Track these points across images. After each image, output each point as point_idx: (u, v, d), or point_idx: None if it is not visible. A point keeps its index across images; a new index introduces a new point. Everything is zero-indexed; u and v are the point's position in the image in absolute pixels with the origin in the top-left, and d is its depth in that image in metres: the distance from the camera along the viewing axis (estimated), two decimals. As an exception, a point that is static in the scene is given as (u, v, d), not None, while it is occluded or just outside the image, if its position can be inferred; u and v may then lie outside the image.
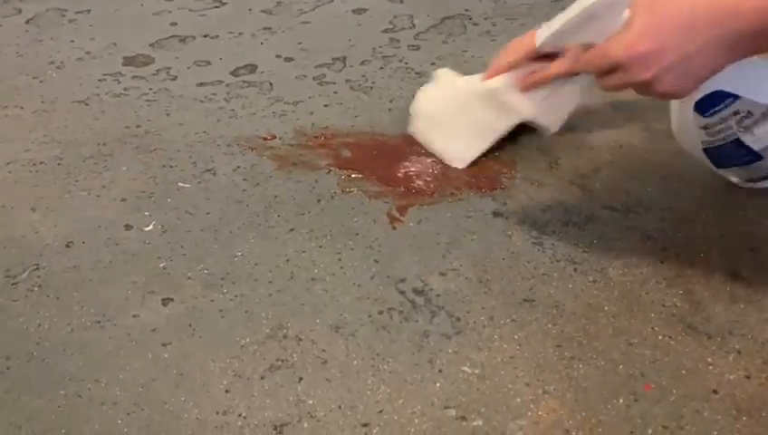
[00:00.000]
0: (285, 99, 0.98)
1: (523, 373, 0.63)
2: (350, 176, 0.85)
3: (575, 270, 0.72)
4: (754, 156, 0.71)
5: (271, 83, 1.02)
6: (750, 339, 0.65)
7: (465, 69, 1.04)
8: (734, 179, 0.77)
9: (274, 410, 0.60)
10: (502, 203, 0.80)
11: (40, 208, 0.80)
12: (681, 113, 0.72)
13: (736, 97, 0.67)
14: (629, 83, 0.62)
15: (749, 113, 0.68)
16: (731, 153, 0.72)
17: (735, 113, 0.68)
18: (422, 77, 1.02)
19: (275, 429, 0.59)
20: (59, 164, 0.87)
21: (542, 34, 0.72)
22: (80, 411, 0.60)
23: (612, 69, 0.62)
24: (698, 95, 0.67)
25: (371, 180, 0.84)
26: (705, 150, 0.74)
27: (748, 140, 0.69)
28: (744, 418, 0.59)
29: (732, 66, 0.63)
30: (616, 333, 0.66)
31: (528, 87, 0.77)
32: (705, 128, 0.70)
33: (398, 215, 0.79)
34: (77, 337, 0.66)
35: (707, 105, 0.68)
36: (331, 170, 0.86)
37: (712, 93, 0.66)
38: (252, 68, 1.05)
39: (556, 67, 0.73)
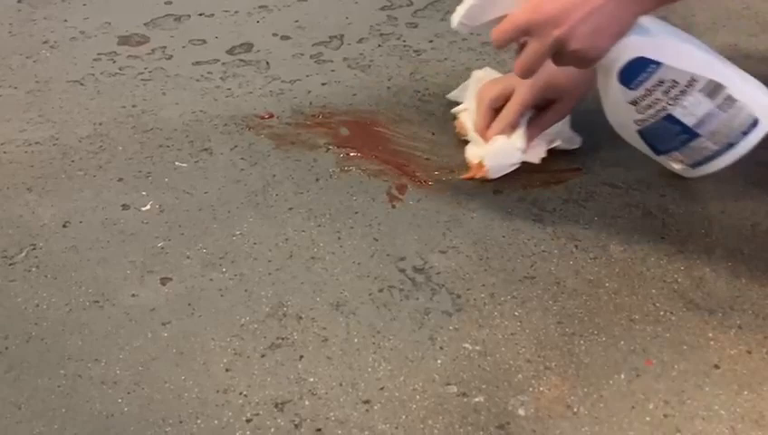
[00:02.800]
0: (282, 77, 0.97)
1: (525, 350, 0.63)
2: (348, 155, 0.84)
3: (576, 247, 0.72)
4: (690, 133, 0.70)
5: (267, 62, 1.01)
6: (751, 314, 0.65)
7: (463, 46, 1.03)
8: (678, 167, 0.75)
9: (275, 387, 0.60)
10: (501, 179, 0.80)
11: (36, 189, 0.80)
12: (608, 92, 0.70)
13: (658, 64, 0.67)
14: (544, 47, 0.65)
15: (674, 82, 0.68)
16: (666, 133, 0.71)
17: (660, 83, 0.68)
18: (420, 54, 1.01)
19: (276, 406, 0.59)
20: (54, 144, 0.86)
21: (455, 18, 0.70)
22: (80, 391, 0.60)
23: (525, 35, 0.65)
24: (620, 64, 0.68)
25: (370, 159, 0.84)
26: (641, 134, 0.72)
27: (679, 113, 0.69)
28: (746, 392, 0.59)
29: (651, 34, 0.67)
30: (617, 309, 0.66)
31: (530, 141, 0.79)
32: (633, 103, 0.70)
33: (397, 193, 0.79)
34: (76, 317, 0.66)
35: (631, 75, 0.68)
36: (329, 149, 0.85)
37: (633, 60, 0.67)
38: (248, 46, 1.04)
39: (551, 116, 0.79)
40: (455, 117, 0.86)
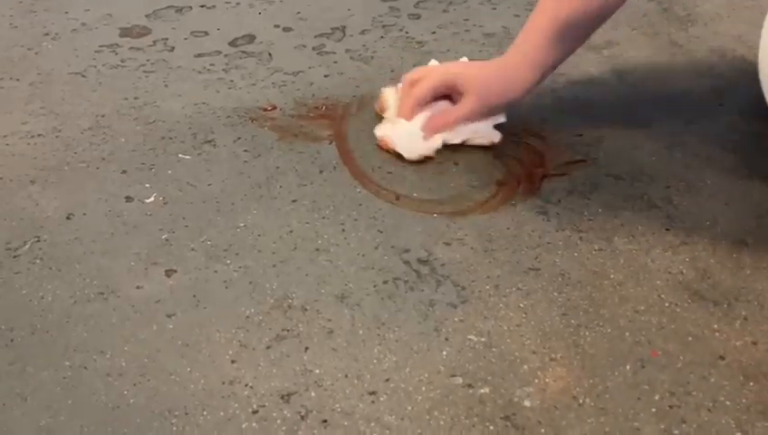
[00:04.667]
0: (285, 69, 0.97)
1: (530, 341, 0.63)
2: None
3: (580, 238, 0.72)
4: None
5: (270, 54, 1.00)
6: (756, 305, 0.65)
7: (466, 37, 1.03)
8: None
9: (281, 379, 0.60)
10: (505, 172, 0.80)
11: (39, 181, 0.79)
12: None
13: None
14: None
15: None
16: None
17: None
18: (423, 46, 1.01)
19: (282, 398, 0.59)
20: (57, 136, 0.86)
21: None
22: (85, 383, 0.60)
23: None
24: None
25: (374, 151, 0.83)
26: None
27: None
28: (751, 383, 0.59)
29: None
30: (622, 300, 0.66)
31: (434, 132, 0.81)
32: None
33: (401, 185, 0.79)
34: (80, 309, 0.66)
35: None
36: (332, 142, 0.85)
37: None
38: (250, 38, 1.04)
39: (457, 111, 0.81)
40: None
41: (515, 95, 0.80)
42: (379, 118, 0.86)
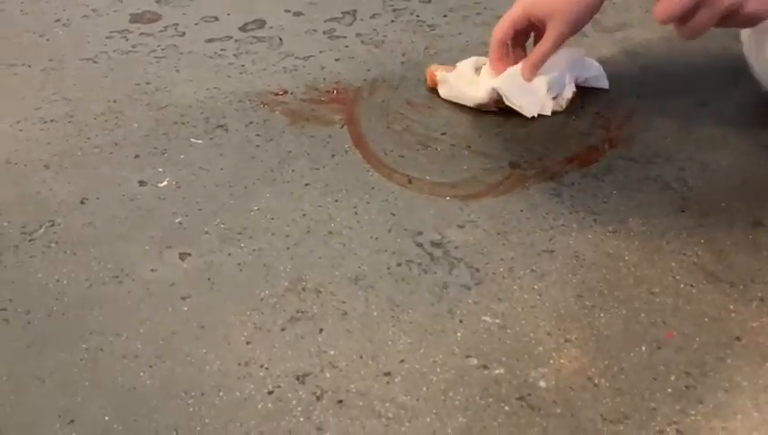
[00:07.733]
0: (296, 54, 0.97)
1: (545, 323, 0.63)
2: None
3: (594, 220, 0.72)
4: None
5: (280, 38, 1.00)
6: (773, 286, 0.65)
7: (477, 20, 1.03)
8: None
9: (296, 360, 0.60)
10: (518, 155, 0.80)
11: (53, 166, 0.80)
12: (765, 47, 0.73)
13: None
14: (717, 14, 0.65)
15: None
16: None
17: None
18: (434, 30, 1.01)
19: (298, 379, 0.59)
20: (70, 122, 0.86)
21: None
22: (102, 364, 0.60)
23: (696, 6, 0.64)
24: None
25: (386, 134, 0.83)
26: None
27: None
28: (768, 364, 0.59)
29: None
30: (637, 282, 0.66)
31: (533, 69, 0.81)
32: None
33: (413, 168, 0.79)
34: (96, 292, 0.66)
35: None
36: (344, 125, 0.85)
37: None
38: (261, 23, 1.03)
39: (549, 37, 0.78)
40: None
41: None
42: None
